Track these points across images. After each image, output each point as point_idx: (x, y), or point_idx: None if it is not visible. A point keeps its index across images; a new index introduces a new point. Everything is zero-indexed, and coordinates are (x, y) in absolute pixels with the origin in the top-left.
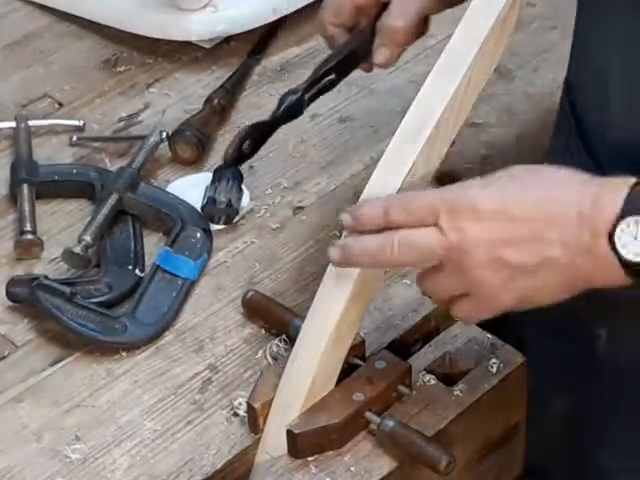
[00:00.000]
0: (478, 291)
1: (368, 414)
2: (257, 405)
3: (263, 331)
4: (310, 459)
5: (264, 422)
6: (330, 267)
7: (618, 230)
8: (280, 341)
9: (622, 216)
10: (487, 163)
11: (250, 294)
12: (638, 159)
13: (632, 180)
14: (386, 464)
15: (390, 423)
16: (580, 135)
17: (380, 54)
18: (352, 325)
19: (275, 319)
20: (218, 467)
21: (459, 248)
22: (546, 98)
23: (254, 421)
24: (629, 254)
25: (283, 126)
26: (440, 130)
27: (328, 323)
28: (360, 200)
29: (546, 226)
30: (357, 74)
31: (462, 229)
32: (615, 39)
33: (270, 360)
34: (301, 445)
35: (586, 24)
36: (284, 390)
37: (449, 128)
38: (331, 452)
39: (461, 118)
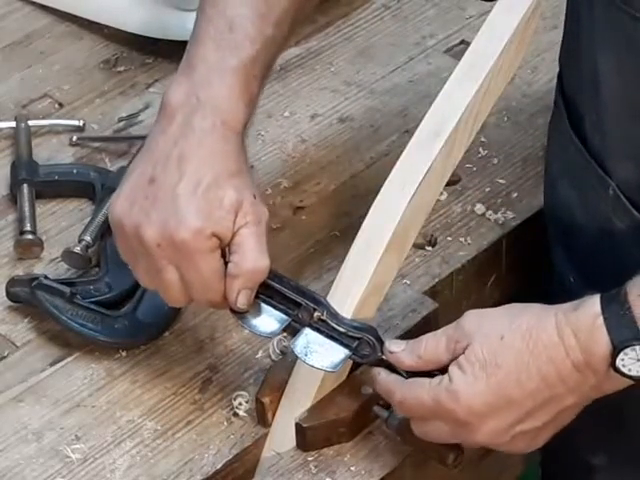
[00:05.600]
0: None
1: (376, 408)
2: (266, 400)
3: None
4: (310, 459)
5: (272, 417)
6: (344, 265)
7: (619, 361)
8: (287, 335)
9: (616, 349)
10: (487, 163)
11: None
12: (636, 154)
13: (597, 308)
14: (386, 463)
15: (399, 416)
16: (575, 132)
17: (244, 297)
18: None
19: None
20: (218, 467)
21: (479, 443)
22: (545, 98)
23: (262, 416)
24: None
25: (283, 126)
26: (458, 135)
27: None
28: (372, 209)
29: (550, 388)
30: (357, 73)
31: (473, 432)
32: (604, 42)
33: (277, 354)
34: (310, 439)
35: (576, 27)
36: (294, 387)
37: (467, 133)
38: (331, 452)
39: (479, 122)
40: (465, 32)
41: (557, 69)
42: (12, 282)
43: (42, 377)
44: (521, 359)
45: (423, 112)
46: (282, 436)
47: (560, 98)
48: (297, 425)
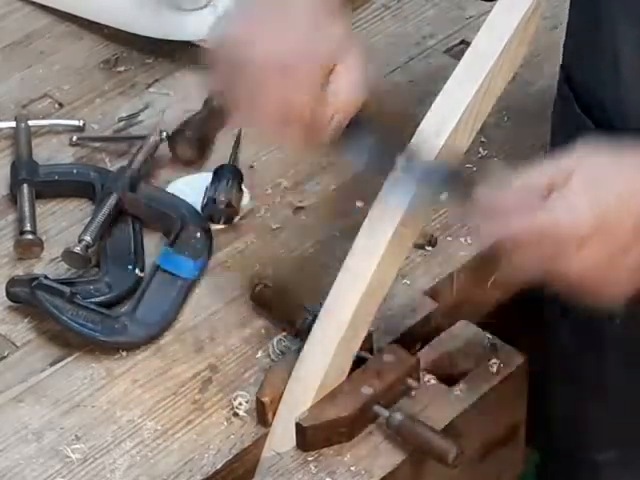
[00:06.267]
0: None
1: (377, 407)
2: (266, 399)
3: (263, 331)
4: (310, 459)
5: (273, 416)
6: (346, 263)
7: None
8: (287, 335)
9: None
10: (487, 163)
11: (259, 288)
12: None
13: None
14: (386, 463)
15: (399, 416)
16: (589, 116)
17: (336, 123)
18: (366, 321)
19: (284, 313)
20: (218, 467)
21: (571, 273)
22: (546, 97)
23: (263, 416)
24: None
25: None
26: (458, 135)
27: (342, 319)
28: (373, 209)
29: None
30: None
31: (571, 256)
32: (624, 19)
33: (277, 354)
34: (310, 438)
35: (592, 9)
36: (294, 386)
37: (467, 133)
38: (331, 452)
39: (479, 122)
40: (465, 32)
41: (557, 68)
42: (12, 282)
43: (42, 377)
44: (629, 187)
45: (423, 112)
46: (282, 436)
47: (566, 87)
48: (297, 425)
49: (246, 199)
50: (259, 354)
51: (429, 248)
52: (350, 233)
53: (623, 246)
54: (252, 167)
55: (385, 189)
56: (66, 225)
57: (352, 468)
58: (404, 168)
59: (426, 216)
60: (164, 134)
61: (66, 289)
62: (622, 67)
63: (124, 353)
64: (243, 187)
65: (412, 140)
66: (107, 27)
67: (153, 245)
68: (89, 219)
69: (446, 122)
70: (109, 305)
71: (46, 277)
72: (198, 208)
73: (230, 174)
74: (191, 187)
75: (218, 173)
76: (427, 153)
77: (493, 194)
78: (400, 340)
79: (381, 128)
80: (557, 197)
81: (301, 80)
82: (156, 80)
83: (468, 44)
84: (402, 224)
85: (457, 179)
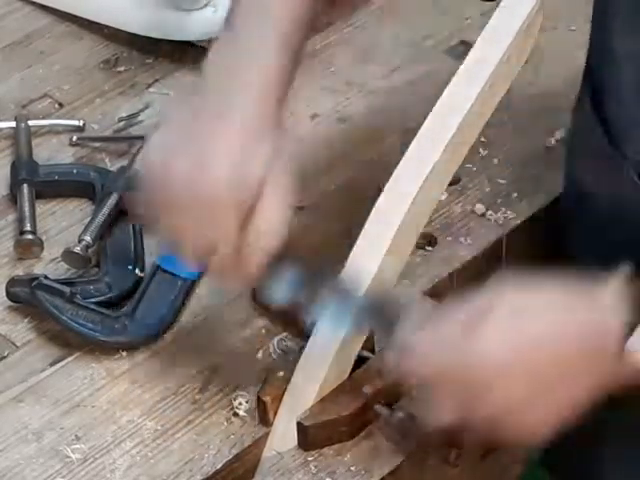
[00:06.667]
0: None
1: (378, 406)
2: (267, 399)
3: (263, 331)
4: (310, 458)
5: (274, 416)
6: (346, 267)
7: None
8: (288, 335)
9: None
10: (487, 163)
11: None
12: None
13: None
14: (386, 463)
15: (400, 415)
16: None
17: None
18: None
19: (285, 313)
20: (218, 467)
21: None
22: (546, 98)
23: (264, 415)
24: None
25: None
26: (460, 135)
27: None
28: (374, 211)
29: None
30: (357, 73)
31: (485, 394)
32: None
33: (278, 353)
34: (311, 438)
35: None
36: (296, 385)
37: (470, 132)
38: (331, 452)
39: (482, 121)
40: (464, 33)
41: (558, 69)
42: (12, 282)
43: (42, 377)
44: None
45: (423, 112)
46: (283, 435)
47: (587, 84)
48: (299, 424)
49: None
50: (259, 354)
51: (429, 248)
52: (350, 234)
53: (544, 388)
54: None
55: (387, 190)
56: (66, 225)
57: (352, 468)
58: (329, 302)
59: (426, 221)
60: None
61: (66, 289)
62: (617, 54)
63: (124, 353)
64: None
65: (338, 273)
66: (107, 27)
67: (153, 245)
68: (89, 219)
69: (449, 122)
70: (109, 305)
71: (46, 277)
72: None
73: None
74: None
75: None
76: (353, 287)
77: (411, 334)
78: None
79: (304, 263)
80: (471, 339)
81: (219, 218)
82: (156, 80)
83: (468, 45)
84: (403, 227)
85: (381, 314)
